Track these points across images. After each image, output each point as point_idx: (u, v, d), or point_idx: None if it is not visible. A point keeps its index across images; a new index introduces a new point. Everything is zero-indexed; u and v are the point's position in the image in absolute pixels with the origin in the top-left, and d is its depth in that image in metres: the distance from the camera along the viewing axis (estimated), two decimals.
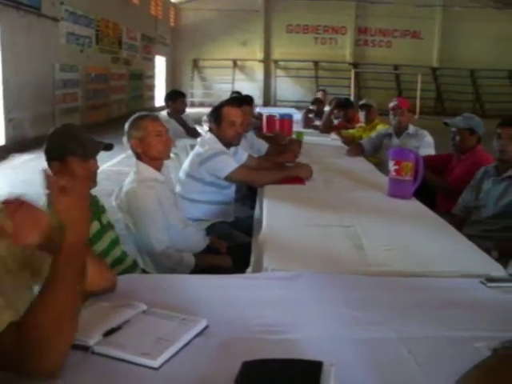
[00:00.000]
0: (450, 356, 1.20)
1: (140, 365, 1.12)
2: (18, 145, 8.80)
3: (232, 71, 21.15)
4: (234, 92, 7.30)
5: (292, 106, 12.60)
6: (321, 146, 4.93)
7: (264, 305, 1.45)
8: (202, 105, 18.73)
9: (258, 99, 16.72)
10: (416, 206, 2.66)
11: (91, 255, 1.34)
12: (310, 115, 6.69)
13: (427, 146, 4.01)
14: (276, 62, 21.43)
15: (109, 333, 1.21)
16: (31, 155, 8.20)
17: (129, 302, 1.36)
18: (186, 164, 3.17)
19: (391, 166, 2.78)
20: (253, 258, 2.17)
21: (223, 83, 20.19)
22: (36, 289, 1.39)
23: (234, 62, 21.16)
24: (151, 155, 2.39)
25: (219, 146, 3.08)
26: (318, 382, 0.98)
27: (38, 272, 1.35)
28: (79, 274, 1.14)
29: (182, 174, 3.14)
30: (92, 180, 2.00)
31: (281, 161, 3.62)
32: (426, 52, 20.95)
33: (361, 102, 5.64)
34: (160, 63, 19.80)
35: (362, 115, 5.49)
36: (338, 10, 20.36)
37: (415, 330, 1.32)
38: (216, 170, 3.00)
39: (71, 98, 11.44)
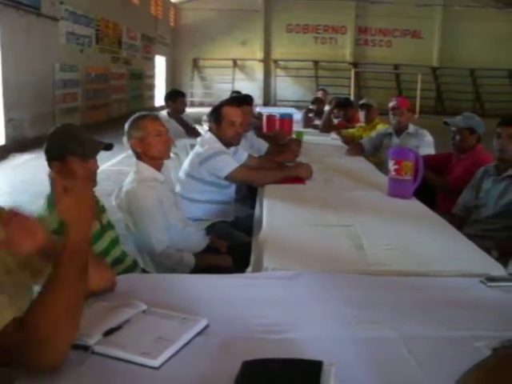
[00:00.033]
0: (450, 355, 1.20)
1: (140, 364, 1.12)
2: (17, 145, 8.80)
3: (232, 71, 21.15)
4: (233, 92, 7.30)
5: (292, 106, 12.58)
6: (321, 145, 4.93)
7: (264, 304, 1.45)
8: (201, 104, 18.73)
9: (257, 99, 16.72)
10: (416, 205, 2.66)
11: (91, 255, 1.34)
12: (310, 115, 6.69)
13: (427, 146, 4.01)
14: (276, 61, 21.43)
15: (109, 332, 1.21)
16: (31, 155, 8.21)
17: (129, 302, 1.36)
18: (185, 164, 3.17)
19: (391, 165, 2.78)
20: (253, 258, 2.17)
21: (223, 83, 20.19)
22: (36, 289, 1.39)
23: (234, 61, 21.16)
24: (151, 155, 2.39)
25: (219, 145, 3.08)
26: (318, 381, 0.98)
27: (38, 272, 1.35)
28: (82, 272, 1.15)
29: (181, 174, 3.14)
30: (92, 180, 2.00)
31: (281, 160, 3.62)
32: (426, 51, 20.95)
33: (361, 102, 5.64)
34: (160, 63, 19.80)
35: (361, 115, 5.49)
36: (338, 9, 20.36)
37: (415, 330, 1.32)
38: (216, 170, 3.00)
39: (71, 98, 11.44)
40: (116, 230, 2.22)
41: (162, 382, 1.09)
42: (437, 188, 3.44)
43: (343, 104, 6.29)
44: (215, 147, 3.04)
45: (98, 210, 2.11)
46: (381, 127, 4.87)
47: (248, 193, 3.73)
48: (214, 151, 3.01)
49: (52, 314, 1.06)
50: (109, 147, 2.06)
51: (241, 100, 4.21)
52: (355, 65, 20.86)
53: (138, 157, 2.42)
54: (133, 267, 2.23)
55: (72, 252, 1.14)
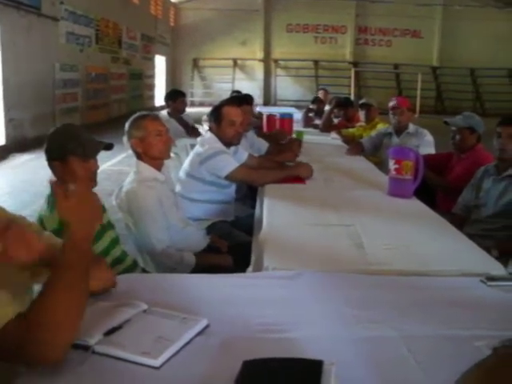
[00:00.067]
0: (450, 355, 1.20)
1: (141, 364, 1.12)
2: (18, 145, 8.80)
3: (232, 70, 21.14)
4: (234, 91, 7.29)
5: (292, 106, 12.57)
6: (321, 145, 4.93)
7: (264, 304, 1.46)
8: (202, 104, 18.74)
9: (258, 98, 16.73)
10: (416, 205, 2.66)
11: (91, 255, 1.35)
12: (310, 114, 6.69)
13: (427, 145, 4.01)
14: (276, 61, 21.43)
15: (109, 332, 1.21)
16: (31, 155, 8.21)
17: (129, 302, 1.36)
18: (186, 163, 3.17)
19: (391, 165, 2.78)
20: (253, 257, 2.17)
21: (223, 82, 20.19)
22: (36, 289, 1.40)
23: (234, 61, 21.16)
24: (151, 155, 2.39)
25: (219, 145, 3.08)
26: (318, 380, 0.98)
27: (38, 272, 1.35)
28: (83, 272, 1.15)
29: (182, 174, 3.14)
30: (92, 180, 2.00)
31: (281, 160, 3.62)
32: (426, 51, 20.94)
33: (361, 101, 5.64)
34: (160, 63, 19.79)
35: (362, 114, 5.49)
36: (338, 9, 20.35)
37: (415, 329, 1.32)
38: (216, 170, 3.00)
39: (71, 98, 11.44)
40: (116, 230, 2.22)
41: (162, 381, 1.09)
42: (437, 187, 3.44)
43: (343, 104, 6.30)
44: (215, 147, 3.04)
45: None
46: (381, 127, 4.87)
47: (248, 192, 3.73)
48: (214, 151, 3.01)
49: (52, 313, 1.06)
50: (109, 147, 2.06)
51: (241, 100, 4.20)
52: (355, 64, 20.85)
53: (139, 157, 2.42)
54: (133, 267, 2.23)
55: (73, 252, 1.14)
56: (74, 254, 1.14)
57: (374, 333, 1.30)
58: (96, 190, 2.01)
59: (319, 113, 6.74)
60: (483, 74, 20.45)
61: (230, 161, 3.04)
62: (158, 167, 2.44)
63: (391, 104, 4.25)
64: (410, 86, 19.54)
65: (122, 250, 2.21)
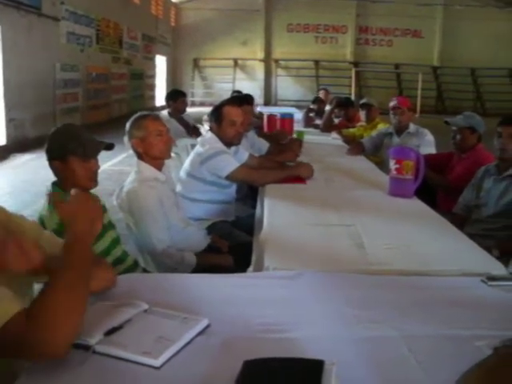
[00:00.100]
0: (451, 354, 1.20)
1: (141, 364, 1.12)
2: (18, 145, 8.81)
3: (233, 70, 21.15)
4: (234, 91, 7.29)
5: (293, 105, 12.58)
6: (321, 145, 4.93)
7: (265, 304, 1.46)
8: (202, 104, 18.74)
9: (258, 98, 16.72)
10: (417, 204, 2.66)
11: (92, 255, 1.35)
12: (311, 114, 6.69)
13: (428, 145, 4.01)
14: (277, 61, 21.42)
15: (110, 332, 1.21)
16: (32, 155, 8.21)
17: (130, 301, 1.36)
18: (186, 163, 3.17)
19: (392, 164, 2.78)
20: (254, 257, 2.17)
21: (224, 82, 20.19)
22: (36, 288, 1.40)
23: (235, 61, 21.16)
24: (152, 155, 2.39)
25: (220, 145, 3.08)
26: (319, 380, 0.98)
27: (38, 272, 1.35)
28: (84, 272, 1.15)
29: (182, 174, 3.14)
30: (93, 180, 2.00)
31: (282, 160, 3.62)
32: (426, 51, 20.94)
33: (361, 101, 5.64)
34: (161, 63, 19.80)
35: (362, 114, 5.49)
36: (339, 8, 20.35)
37: (416, 329, 1.32)
38: (217, 170, 3.00)
39: (72, 98, 11.44)
40: (117, 230, 2.22)
41: (162, 381, 1.09)
42: (438, 187, 3.44)
43: (344, 103, 6.30)
44: (216, 147, 3.04)
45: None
46: (381, 127, 4.87)
47: (249, 192, 3.73)
48: (214, 151, 3.01)
49: (53, 313, 1.07)
50: (110, 147, 2.06)
51: (241, 100, 4.20)
52: (356, 64, 20.84)
53: (139, 156, 2.42)
54: (134, 267, 2.23)
55: (74, 252, 1.15)
56: (75, 254, 1.15)
57: (375, 333, 1.30)
58: (97, 189, 2.02)
59: (320, 113, 6.73)
60: (484, 74, 20.44)
61: (231, 161, 3.04)
62: (159, 167, 2.44)
63: (392, 104, 4.25)
64: (410, 86, 19.54)
65: (123, 250, 2.21)
